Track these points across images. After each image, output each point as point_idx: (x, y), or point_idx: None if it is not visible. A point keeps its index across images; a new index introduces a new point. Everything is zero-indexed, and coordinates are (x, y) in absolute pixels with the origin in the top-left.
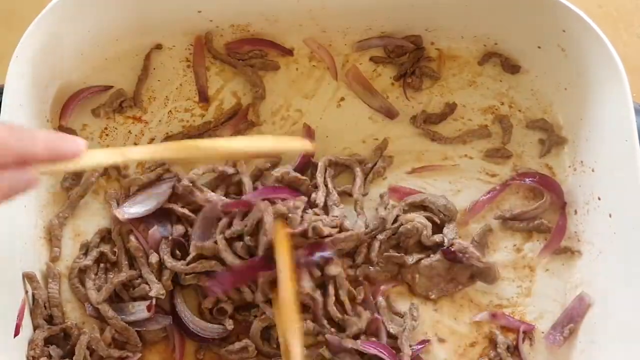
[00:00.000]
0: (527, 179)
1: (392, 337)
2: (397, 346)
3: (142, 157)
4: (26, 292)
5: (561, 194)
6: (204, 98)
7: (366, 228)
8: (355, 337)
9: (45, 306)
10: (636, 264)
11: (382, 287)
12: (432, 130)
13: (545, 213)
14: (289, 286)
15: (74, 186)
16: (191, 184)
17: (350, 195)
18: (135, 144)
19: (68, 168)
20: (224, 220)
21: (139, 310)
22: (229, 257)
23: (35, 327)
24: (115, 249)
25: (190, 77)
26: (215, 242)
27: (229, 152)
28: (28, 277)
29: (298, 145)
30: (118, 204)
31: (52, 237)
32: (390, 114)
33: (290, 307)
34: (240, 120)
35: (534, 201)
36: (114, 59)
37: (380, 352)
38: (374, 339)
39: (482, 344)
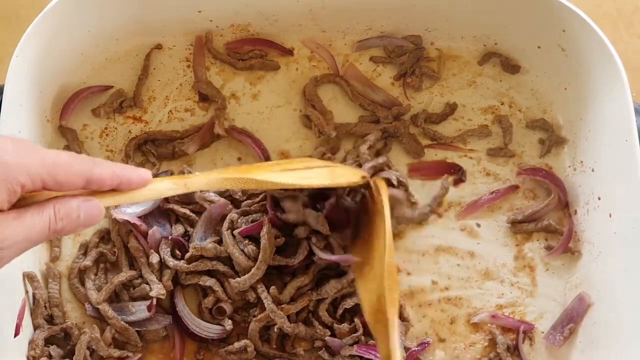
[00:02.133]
0: (532, 175)
1: None
2: None
3: (203, 187)
4: (26, 292)
5: (565, 191)
6: (204, 98)
7: None
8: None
9: (45, 306)
10: (636, 264)
11: None
12: (432, 129)
13: (549, 212)
14: (392, 249)
15: None
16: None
17: None
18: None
19: (131, 200)
20: (231, 216)
21: (139, 310)
22: (235, 252)
23: (35, 327)
24: (115, 249)
25: (190, 77)
26: (216, 242)
27: (288, 185)
28: (28, 277)
29: (356, 177)
30: (116, 205)
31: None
32: (395, 105)
33: (393, 272)
34: (206, 133)
35: (534, 201)
36: (114, 59)
37: (377, 357)
38: (373, 342)
39: (482, 344)
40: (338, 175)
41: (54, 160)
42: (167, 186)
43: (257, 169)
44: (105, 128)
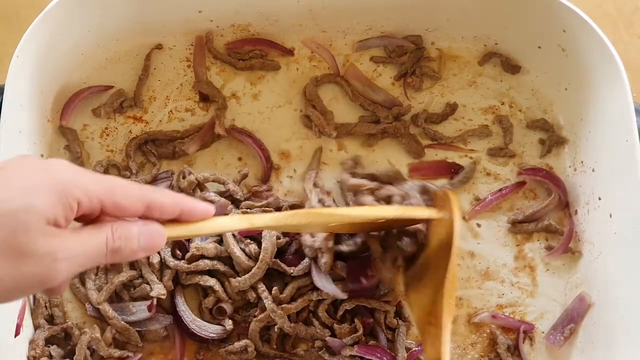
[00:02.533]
0: (533, 175)
1: (391, 340)
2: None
3: (268, 225)
4: None
5: (565, 191)
6: (204, 98)
7: None
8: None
9: (46, 306)
10: (636, 264)
11: None
12: (432, 129)
13: (550, 212)
14: (457, 256)
15: None
16: (197, 181)
17: None
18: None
19: (194, 233)
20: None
21: (140, 310)
22: (236, 252)
23: (36, 327)
24: None
25: (191, 77)
26: (217, 242)
27: (359, 218)
28: None
29: (425, 214)
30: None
31: None
32: (395, 106)
33: (455, 279)
34: (206, 133)
35: (534, 201)
36: (115, 59)
37: (378, 357)
38: (373, 342)
39: (482, 344)
40: (409, 209)
41: (111, 182)
42: (232, 222)
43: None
44: (106, 128)
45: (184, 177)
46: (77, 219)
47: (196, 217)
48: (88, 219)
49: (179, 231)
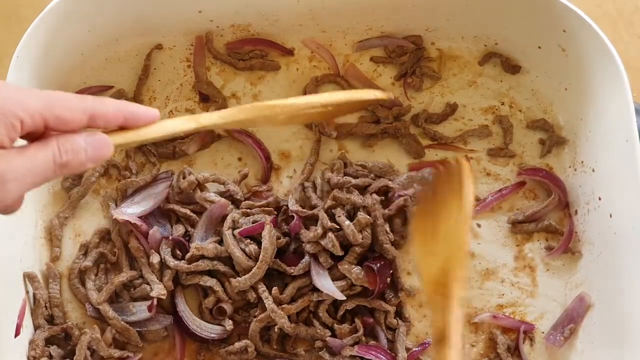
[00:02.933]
0: (533, 175)
1: (391, 340)
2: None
3: (215, 122)
4: (27, 292)
5: (565, 191)
6: (204, 98)
7: None
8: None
9: (46, 306)
10: (636, 264)
11: None
12: (432, 129)
13: (550, 212)
14: (467, 227)
15: (75, 186)
16: (197, 181)
17: None
18: None
19: (141, 138)
20: (232, 216)
21: (140, 311)
22: (236, 252)
23: (36, 327)
24: (115, 249)
25: (191, 77)
26: (217, 242)
27: (302, 107)
28: (29, 277)
29: (371, 95)
30: (116, 205)
31: (53, 237)
32: (395, 106)
33: (464, 248)
34: (207, 133)
35: (534, 201)
36: (115, 59)
37: (378, 357)
38: (373, 342)
39: (482, 344)
40: (357, 94)
41: (51, 96)
42: (177, 123)
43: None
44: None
45: (184, 177)
46: (22, 138)
47: (141, 122)
48: (33, 137)
49: (126, 137)
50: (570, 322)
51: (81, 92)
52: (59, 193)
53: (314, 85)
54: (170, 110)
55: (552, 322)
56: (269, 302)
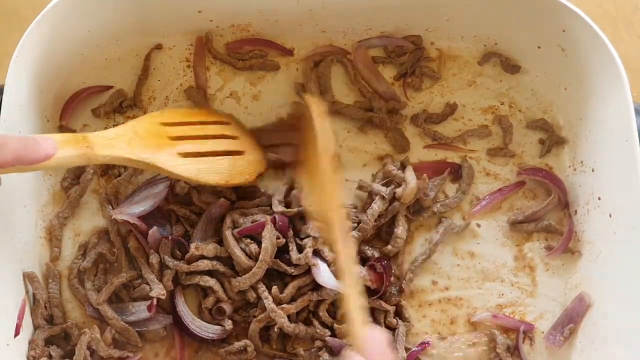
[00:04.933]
0: (532, 175)
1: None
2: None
3: (107, 162)
4: (27, 292)
5: (565, 191)
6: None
7: None
8: None
9: (45, 306)
10: (636, 264)
11: None
12: (432, 129)
13: (549, 212)
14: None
15: (73, 185)
16: (188, 185)
17: None
18: None
19: (34, 169)
20: (231, 215)
21: (140, 311)
22: (236, 252)
23: (35, 327)
24: (114, 249)
25: (191, 77)
26: (217, 242)
27: (185, 179)
28: (28, 277)
29: (256, 172)
30: (112, 206)
31: (52, 237)
32: (394, 100)
33: (333, 186)
34: None
35: (534, 201)
36: (114, 59)
37: None
38: None
39: (482, 344)
40: (235, 171)
41: None
42: (69, 158)
43: (163, 142)
44: (105, 128)
45: (177, 181)
46: None
47: (36, 163)
48: None
49: (19, 170)
50: (570, 321)
51: (81, 92)
52: (59, 193)
53: (328, 66)
54: None
55: (552, 322)
56: (268, 302)
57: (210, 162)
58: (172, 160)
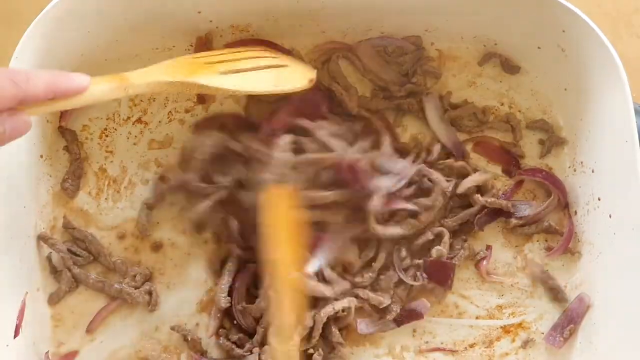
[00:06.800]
0: (532, 176)
1: None
2: None
3: (144, 90)
4: (26, 292)
5: (565, 191)
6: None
7: None
8: None
9: (69, 267)
10: (636, 265)
11: None
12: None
13: (549, 213)
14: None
15: (74, 187)
16: None
17: None
18: (135, 144)
19: (67, 106)
20: None
21: None
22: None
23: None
24: None
25: None
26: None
27: (230, 91)
28: (43, 239)
29: (303, 81)
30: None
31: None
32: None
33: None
34: None
35: (534, 202)
36: (114, 59)
37: None
38: None
39: (482, 345)
40: (283, 79)
41: None
42: (105, 91)
43: (201, 67)
44: (105, 129)
45: None
46: None
47: (70, 95)
48: None
49: (52, 107)
50: (570, 322)
51: None
52: (59, 193)
53: (335, 63)
54: (170, 111)
55: (552, 323)
56: None
57: (255, 74)
58: (215, 79)
